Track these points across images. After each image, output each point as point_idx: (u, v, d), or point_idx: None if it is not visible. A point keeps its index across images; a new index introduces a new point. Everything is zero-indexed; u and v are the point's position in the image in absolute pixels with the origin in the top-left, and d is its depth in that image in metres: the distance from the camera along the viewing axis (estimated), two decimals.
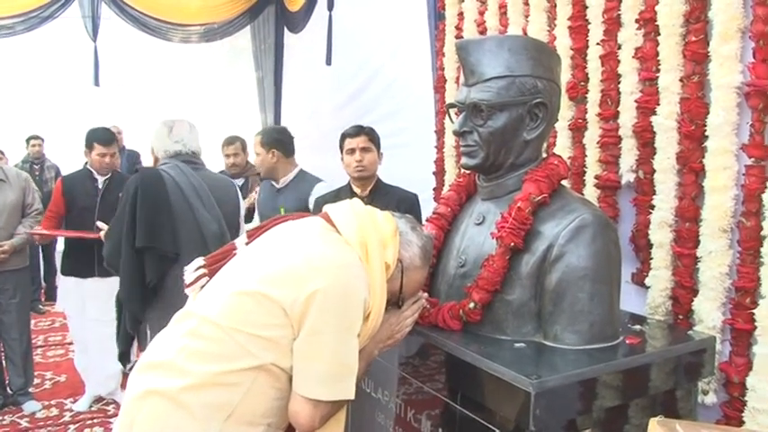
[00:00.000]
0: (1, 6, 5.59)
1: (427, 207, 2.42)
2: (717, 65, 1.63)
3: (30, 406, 3.50)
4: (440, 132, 2.96)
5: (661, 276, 1.81)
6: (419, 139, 3.26)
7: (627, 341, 1.44)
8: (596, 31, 2.02)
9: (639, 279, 1.91)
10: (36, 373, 3.76)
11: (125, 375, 3.45)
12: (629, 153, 1.92)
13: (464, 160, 1.56)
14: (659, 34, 1.79)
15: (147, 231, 2.27)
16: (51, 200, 3.47)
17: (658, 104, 1.80)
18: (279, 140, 2.97)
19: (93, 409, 3.53)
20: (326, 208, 1.43)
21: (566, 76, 2.10)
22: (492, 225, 1.49)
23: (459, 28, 2.79)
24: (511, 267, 1.43)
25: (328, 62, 4.82)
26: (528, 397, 1.17)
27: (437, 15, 3.00)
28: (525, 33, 2.31)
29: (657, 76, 1.80)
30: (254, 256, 1.36)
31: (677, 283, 1.77)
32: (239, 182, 3.77)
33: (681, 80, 1.75)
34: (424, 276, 1.48)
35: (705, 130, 1.67)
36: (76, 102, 6.36)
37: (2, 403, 3.48)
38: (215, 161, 2.84)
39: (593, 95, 2.04)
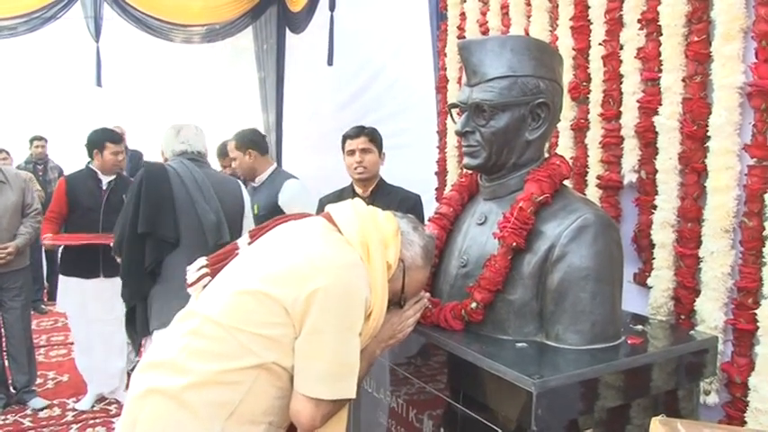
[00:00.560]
0: (3, 7, 5.60)
1: (429, 207, 2.43)
2: (719, 65, 1.63)
3: (35, 403, 3.52)
4: (442, 133, 2.96)
5: (663, 276, 1.80)
6: (421, 140, 3.26)
7: (629, 341, 1.44)
8: (598, 32, 2.02)
9: (641, 279, 1.91)
10: (39, 373, 3.77)
11: (129, 374, 3.46)
12: (631, 153, 1.92)
13: (466, 160, 1.56)
14: (661, 34, 1.79)
15: (150, 218, 2.45)
16: (53, 200, 3.47)
17: (660, 105, 1.80)
18: (253, 140, 3.09)
19: (95, 408, 3.54)
20: (328, 208, 1.43)
21: (568, 76, 2.10)
22: (494, 225, 1.49)
23: (461, 28, 2.79)
24: (513, 267, 1.43)
25: (330, 62, 4.83)
26: (530, 397, 1.18)
27: (439, 15, 3.01)
28: (527, 33, 2.31)
29: (660, 77, 1.80)
30: (256, 256, 1.36)
31: (679, 283, 1.77)
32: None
33: (683, 80, 1.75)
34: (426, 276, 1.48)
35: (707, 131, 1.67)
36: (79, 102, 6.38)
37: (5, 402, 3.50)
38: (216, 162, 2.87)
39: (596, 96, 2.04)
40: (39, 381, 3.77)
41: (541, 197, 1.45)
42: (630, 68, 1.91)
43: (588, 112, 2.08)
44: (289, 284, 1.21)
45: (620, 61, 1.94)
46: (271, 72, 6.81)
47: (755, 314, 1.55)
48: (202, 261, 1.47)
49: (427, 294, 1.53)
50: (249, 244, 1.46)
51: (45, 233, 3.38)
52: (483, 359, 1.31)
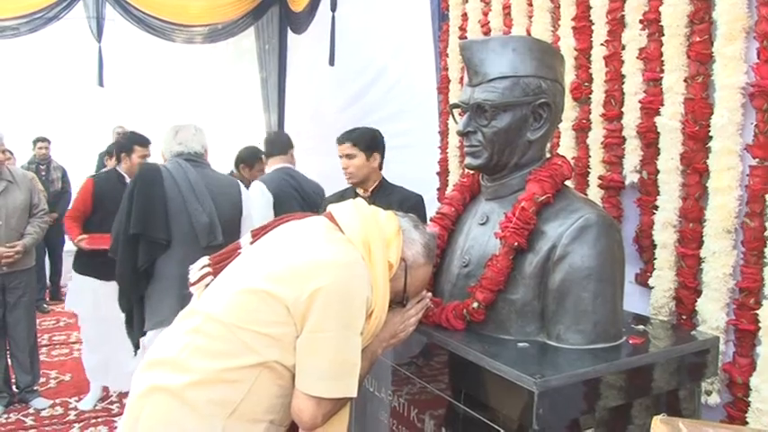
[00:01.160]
0: (6, 7, 5.61)
1: (431, 207, 2.43)
2: (721, 65, 1.63)
3: (38, 402, 3.53)
4: (443, 133, 2.97)
5: (665, 277, 1.81)
6: (423, 140, 3.26)
7: (630, 341, 1.45)
8: (600, 32, 2.03)
9: (643, 279, 1.91)
10: (41, 372, 3.78)
11: None
12: (632, 153, 1.92)
13: (468, 160, 1.57)
14: (663, 35, 1.79)
15: (141, 219, 2.46)
16: (78, 198, 3.47)
17: (662, 105, 1.80)
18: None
19: (97, 408, 3.55)
20: (330, 208, 1.44)
21: (570, 76, 2.10)
22: (496, 225, 1.49)
23: (462, 28, 2.79)
24: (514, 267, 1.44)
25: (331, 63, 4.83)
26: (531, 396, 1.18)
27: (441, 16, 3.01)
28: (529, 34, 2.31)
29: (661, 77, 1.80)
30: (259, 255, 1.37)
31: (681, 283, 1.77)
32: None
33: (685, 81, 1.75)
34: (428, 274, 1.49)
35: (709, 131, 1.67)
36: (81, 102, 6.39)
37: (8, 401, 3.51)
38: (217, 162, 2.88)
39: (597, 96, 2.05)
40: (41, 380, 3.77)
41: (543, 197, 1.45)
42: (632, 69, 1.91)
43: (590, 113, 2.08)
44: (290, 283, 1.22)
45: (622, 61, 1.94)
46: (272, 72, 6.82)
47: (757, 314, 1.55)
48: (205, 260, 1.48)
49: (429, 294, 1.53)
50: (251, 243, 1.46)
51: (73, 233, 3.40)
52: (484, 359, 1.31)
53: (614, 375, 1.32)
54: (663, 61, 1.79)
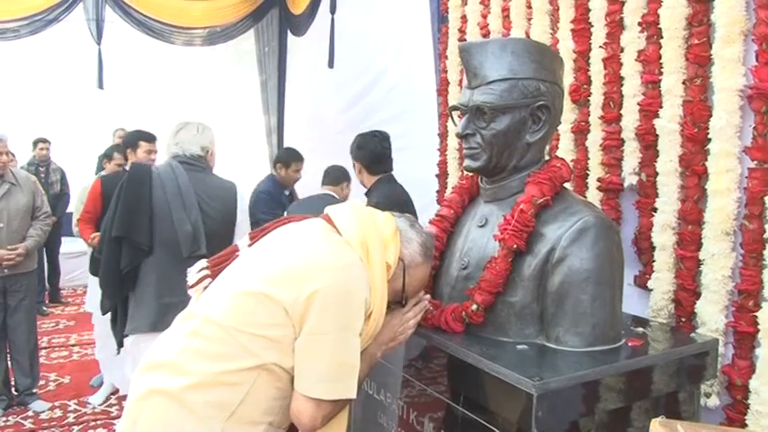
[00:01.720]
0: (6, 10, 5.62)
1: (430, 210, 2.43)
2: (719, 68, 1.63)
3: (37, 405, 3.53)
4: (442, 135, 2.97)
5: (663, 279, 1.80)
6: (422, 142, 3.27)
7: (629, 343, 1.44)
8: (599, 34, 2.03)
9: (642, 282, 1.91)
10: (40, 375, 3.78)
11: None
12: (631, 156, 1.92)
13: (467, 162, 1.57)
14: (662, 37, 1.79)
15: (125, 222, 2.39)
16: (88, 200, 3.48)
17: (661, 107, 1.81)
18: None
19: (96, 410, 3.54)
20: (328, 209, 1.44)
21: (568, 78, 2.10)
22: (494, 227, 1.49)
23: (461, 31, 2.79)
24: (513, 269, 1.44)
25: (331, 65, 4.84)
26: (530, 399, 1.18)
27: (440, 18, 3.01)
28: (528, 36, 2.31)
29: (660, 79, 1.81)
30: (257, 258, 1.37)
31: (680, 285, 1.77)
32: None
33: (683, 83, 1.75)
34: (426, 273, 1.48)
35: (708, 133, 1.67)
36: (80, 104, 6.40)
37: (7, 404, 3.50)
38: (216, 164, 2.87)
39: (596, 98, 2.05)
40: (40, 382, 3.77)
41: (542, 199, 1.45)
42: (631, 71, 1.91)
43: (589, 115, 2.08)
44: (288, 285, 1.22)
45: (621, 64, 1.95)
46: (272, 75, 6.83)
47: (756, 317, 1.55)
48: (203, 263, 1.47)
49: (428, 296, 1.53)
50: (249, 246, 1.46)
51: (86, 234, 3.41)
52: (483, 361, 1.31)
53: (613, 378, 1.32)
54: (661, 64, 1.80)
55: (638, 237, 1.92)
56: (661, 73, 1.80)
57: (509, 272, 1.43)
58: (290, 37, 6.40)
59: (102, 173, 4.04)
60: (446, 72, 2.89)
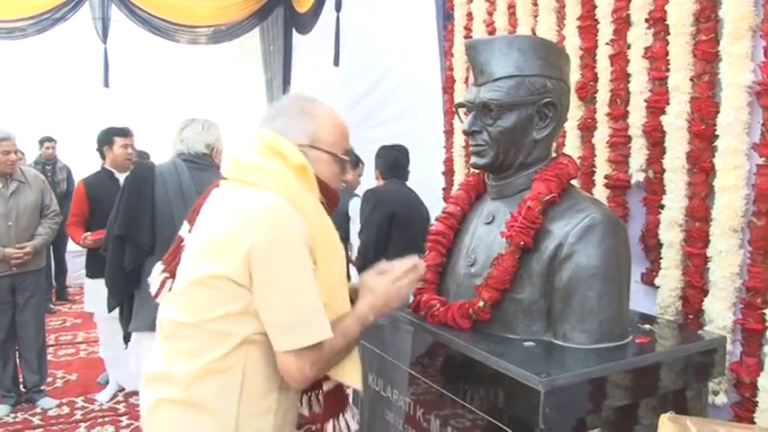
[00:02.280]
0: (14, 9, 5.65)
1: (437, 207, 2.43)
2: (727, 64, 1.62)
3: (45, 402, 3.54)
4: (449, 132, 2.97)
5: (671, 276, 1.80)
6: (428, 140, 3.27)
7: (636, 340, 1.44)
8: (605, 31, 2.02)
9: (649, 279, 1.90)
10: (48, 372, 3.80)
11: None
12: (638, 152, 1.92)
13: (473, 159, 1.57)
14: (669, 33, 1.78)
15: (127, 221, 2.42)
16: (74, 203, 3.50)
17: (668, 104, 1.80)
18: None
19: (104, 407, 3.56)
20: (233, 163, 1.37)
21: (575, 75, 2.10)
22: (501, 224, 1.49)
23: (467, 28, 2.79)
24: (520, 266, 1.43)
25: (336, 63, 4.84)
26: (537, 395, 1.18)
27: (446, 15, 3.01)
28: (534, 33, 2.31)
29: (667, 76, 1.80)
30: (193, 242, 1.34)
31: (687, 282, 1.77)
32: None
33: (691, 79, 1.74)
34: (329, 117, 1.36)
35: (715, 130, 1.67)
36: (86, 103, 6.41)
37: (15, 401, 3.52)
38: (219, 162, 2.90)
39: (603, 95, 2.04)
40: (48, 380, 3.80)
41: (549, 196, 1.45)
42: (638, 68, 1.90)
43: (595, 112, 2.08)
44: (223, 256, 1.18)
45: (628, 60, 1.94)
46: (278, 73, 6.83)
47: (764, 314, 1.55)
48: (159, 266, 1.47)
49: (422, 262, 1.46)
50: (190, 231, 1.44)
51: (77, 236, 3.43)
52: (490, 358, 1.31)
53: (620, 375, 1.32)
54: (668, 60, 1.79)
55: (645, 234, 1.92)
56: (668, 69, 1.80)
57: (516, 268, 1.43)
58: (296, 35, 6.40)
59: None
60: (452, 70, 2.89)
